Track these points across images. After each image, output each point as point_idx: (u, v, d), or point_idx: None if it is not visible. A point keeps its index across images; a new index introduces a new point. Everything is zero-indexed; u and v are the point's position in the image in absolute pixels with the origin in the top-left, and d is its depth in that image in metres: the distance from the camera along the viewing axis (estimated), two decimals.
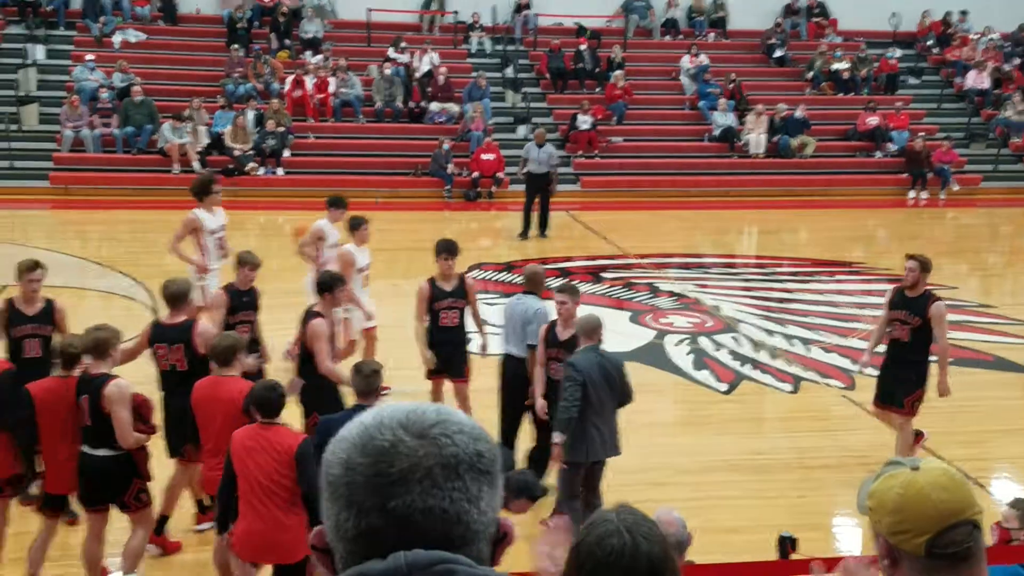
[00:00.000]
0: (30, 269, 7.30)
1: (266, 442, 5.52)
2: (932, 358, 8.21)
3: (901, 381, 8.14)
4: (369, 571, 1.27)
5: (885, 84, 25.31)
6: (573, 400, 6.63)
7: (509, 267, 15.61)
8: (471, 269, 15.22)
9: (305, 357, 7.34)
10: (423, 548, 1.27)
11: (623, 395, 6.92)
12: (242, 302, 7.92)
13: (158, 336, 6.99)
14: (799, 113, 23.12)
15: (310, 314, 7.45)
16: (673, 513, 4.11)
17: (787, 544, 4.82)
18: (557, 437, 6.77)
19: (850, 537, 7.87)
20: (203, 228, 10.30)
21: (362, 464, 1.30)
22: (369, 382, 5.98)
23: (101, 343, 6.09)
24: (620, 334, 11.56)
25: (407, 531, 1.27)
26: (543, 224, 17.59)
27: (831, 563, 3.95)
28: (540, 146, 17.60)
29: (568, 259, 16.28)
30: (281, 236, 18.45)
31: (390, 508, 1.27)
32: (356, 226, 10.05)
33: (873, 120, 23.34)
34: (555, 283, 8.62)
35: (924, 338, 8.10)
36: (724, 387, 10.67)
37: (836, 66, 24.94)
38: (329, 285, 7.50)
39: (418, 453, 1.29)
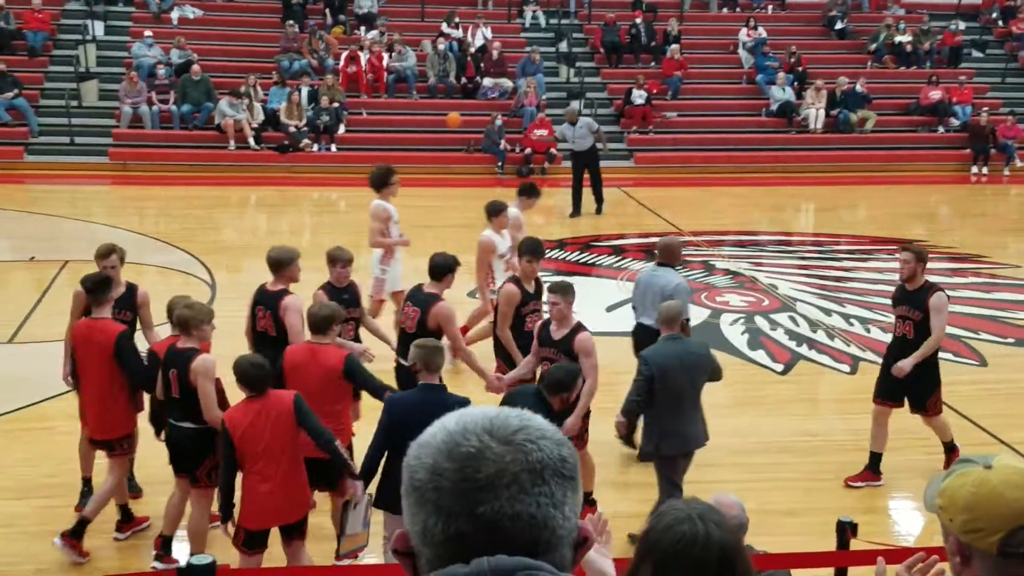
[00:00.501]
0: (104, 255, 7.14)
1: (264, 410, 5.70)
2: (947, 355, 7.78)
3: (916, 381, 7.71)
4: (453, 575, 1.27)
5: (948, 57, 24.69)
6: (636, 393, 6.54)
7: (561, 244, 15.52)
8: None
9: (411, 337, 7.13)
10: (511, 553, 1.27)
11: (712, 374, 6.78)
12: (342, 299, 7.45)
13: (259, 299, 7.29)
14: (860, 87, 22.65)
15: (427, 297, 7.36)
16: (731, 496, 4.04)
17: (847, 529, 4.72)
18: (619, 416, 6.77)
19: (906, 521, 7.72)
20: (390, 217, 10.23)
21: (449, 470, 1.30)
22: (432, 355, 5.94)
23: (183, 320, 6.25)
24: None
25: (495, 536, 1.28)
26: (598, 200, 17.41)
27: (897, 555, 3.85)
28: (573, 124, 17.50)
29: (621, 236, 16.14)
30: (335, 212, 18.58)
31: (478, 513, 1.28)
32: (496, 212, 9.88)
33: (936, 94, 22.79)
34: (553, 279, 8.35)
35: (929, 333, 7.61)
36: (780, 367, 10.52)
37: (898, 39, 24.37)
38: (451, 267, 7.54)
39: (505, 459, 1.30)
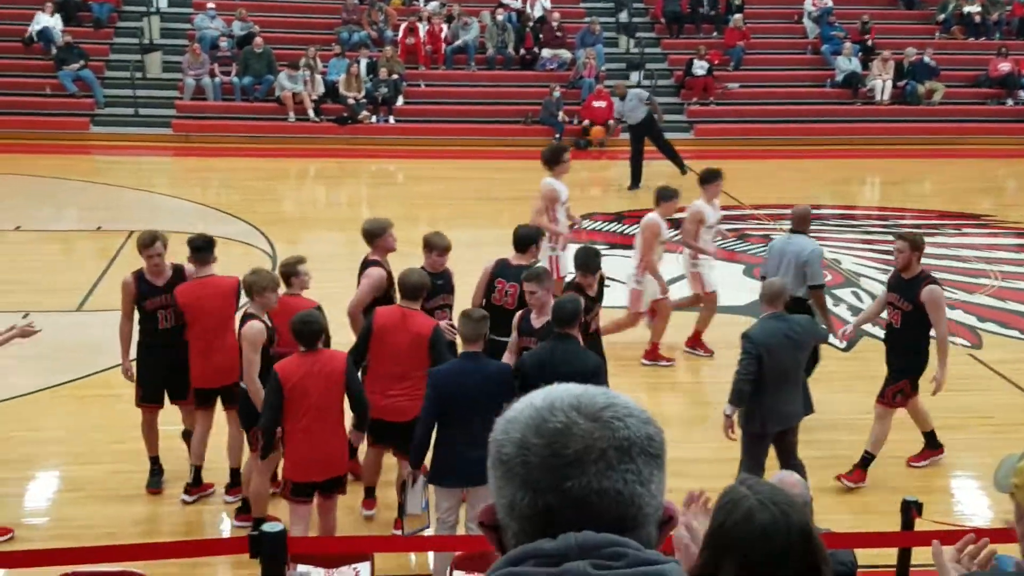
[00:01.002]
0: (147, 245, 7.01)
1: (316, 365, 5.88)
2: (1012, 332, 7.47)
3: (889, 368, 7.50)
4: (540, 550, 1.28)
5: (1018, 28, 23.99)
6: (746, 374, 6.46)
7: (619, 217, 15.41)
8: (581, 219, 15.11)
9: (511, 313, 7.22)
10: (597, 529, 1.28)
11: (813, 356, 6.72)
12: (436, 286, 7.36)
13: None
14: (928, 58, 22.13)
15: (520, 269, 7.32)
16: (794, 474, 3.99)
17: (912, 508, 4.64)
18: (728, 409, 6.64)
19: (972, 500, 7.59)
20: (558, 198, 10.08)
21: (537, 445, 1.31)
22: (478, 328, 5.97)
23: (247, 286, 6.50)
24: (733, 287, 11.31)
25: (583, 512, 1.30)
26: (678, 164, 17.39)
27: (952, 536, 3.78)
28: (622, 97, 17.33)
29: (679, 209, 15.94)
30: (392, 184, 18.65)
31: (566, 488, 1.30)
32: (668, 197, 9.69)
33: (1005, 66, 22.17)
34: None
35: (917, 325, 7.30)
36: (843, 344, 10.36)
37: (967, 9, 23.73)
38: (535, 239, 7.67)
39: (593, 435, 1.31)
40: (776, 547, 2.20)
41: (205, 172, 18.27)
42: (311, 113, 20.15)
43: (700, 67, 21.53)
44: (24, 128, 19.17)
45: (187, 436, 7.29)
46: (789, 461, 6.71)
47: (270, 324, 6.47)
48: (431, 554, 6.38)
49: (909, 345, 7.39)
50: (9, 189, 16.04)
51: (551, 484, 1.30)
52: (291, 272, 6.94)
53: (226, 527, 6.91)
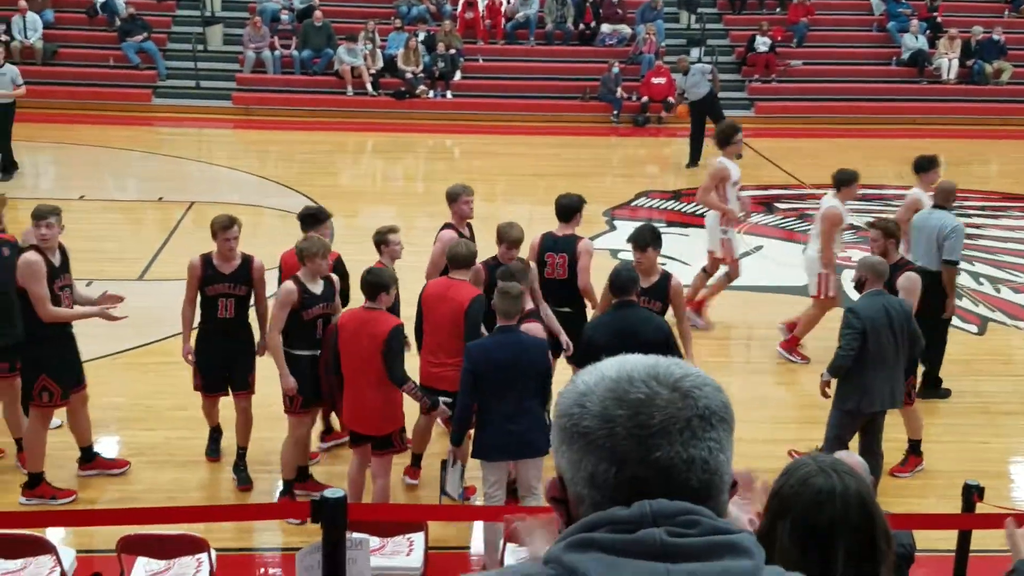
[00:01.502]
0: (225, 227, 6.81)
1: (367, 323, 6.11)
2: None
3: None
4: (615, 517, 1.29)
5: None
6: (849, 348, 6.37)
7: (677, 195, 15.27)
8: (638, 197, 15.01)
9: (564, 284, 7.37)
10: (686, 498, 1.30)
11: (912, 340, 6.56)
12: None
13: (549, 246, 7.51)
14: (996, 36, 21.54)
15: (567, 239, 7.49)
16: (855, 455, 3.93)
17: (973, 492, 4.54)
18: (826, 376, 6.60)
19: None
20: (728, 178, 9.88)
21: (622, 416, 1.32)
22: (515, 304, 5.97)
23: (298, 252, 6.64)
24: (792, 267, 11.16)
25: (670, 481, 1.31)
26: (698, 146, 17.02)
27: (1020, 519, 3.69)
28: (685, 72, 17.06)
29: (740, 188, 15.76)
30: (449, 159, 18.67)
31: (653, 459, 1.31)
32: (848, 181, 9.33)
33: None
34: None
35: None
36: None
37: None
38: (579, 207, 7.68)
39: (676, 405, 1.32)
40: (830, 511, 2.21)
41: (264, 145, 18.43)
42: (369, 87, 20.22)
43: (762, 43, 21.20)
44: (88, 99, 19.47)
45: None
46: (871, 447, 6.59)
47: (316, 291, 6.54)
48: (475, 527, 6.41)
49: None
50: (74, 159, 16.33)
51: (638, 455, 1.31)
52: (382, 241, 7.02)
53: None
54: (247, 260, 6.95)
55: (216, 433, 7.37)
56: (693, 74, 17.09)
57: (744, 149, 17.98)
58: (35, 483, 6.72)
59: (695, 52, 21.59)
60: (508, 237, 7.04)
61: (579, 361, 6.32)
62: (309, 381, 6.57)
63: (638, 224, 11.66)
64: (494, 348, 5.90)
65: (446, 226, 7.55)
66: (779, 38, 21.67)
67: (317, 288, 6.57)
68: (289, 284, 6.55)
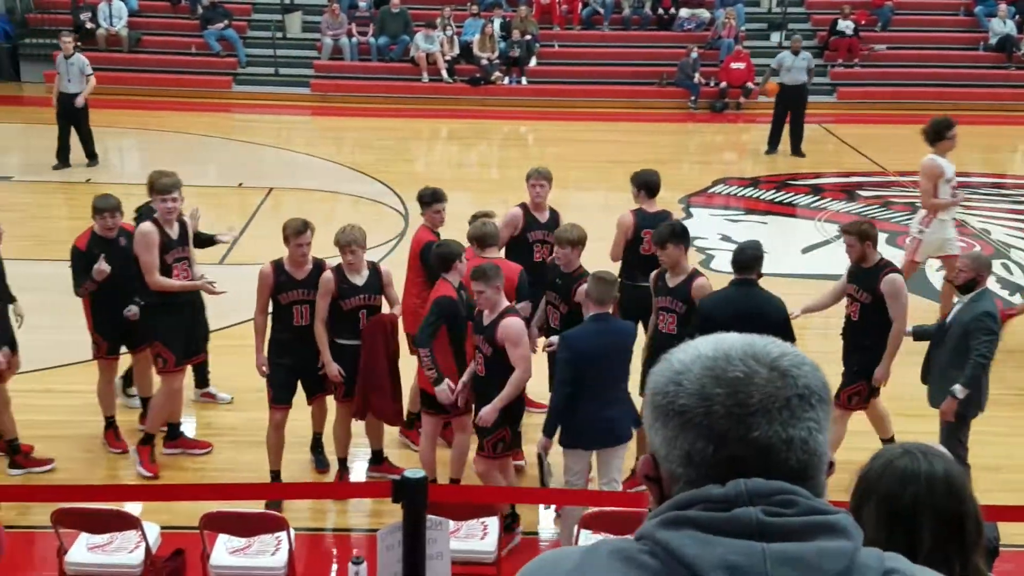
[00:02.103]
0: (298, 232, 6.52)
1: (431, 299, 6.28)
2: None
3: (845, 367, 6.84)
4: (710, 495, 1.28)
5: None
6: (990, 354, 6.12)
7: (755, 182, 15.03)
8: (715, 184, 14.81)
9: None
10: (783, 478, 1.29)
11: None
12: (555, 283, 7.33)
13: (644, 222, 7.41)
14: None
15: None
16: (940, 447, 3.81)
17: None
18: (961, 392, 6.17)
19: None
20: (943, 175, 9.36)
21: (720, 395, 1.31)
22: (610, 291, 5.90)
23: (336, 241, 6.64)
24: None
25: (769, 460, 1.30)
26: (796, 140, 16.48)
27: None
28: (796, 53, 16.38)
29: (818, 175, 15.49)
30: (523, 146, 18.63)
31: (752, 438, 1.29)
32: (940, 131, 9.18)
33: None
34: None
35: (876, 319, 6.61)
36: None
37: None
38: (659, 182, 7.64)
39: (775, 384, 1.31)
40: (913, 491, 2.17)
41: (341, 131, 18.61)
42: (444, 74, 20.27)
43: (845, 27, 20.75)
44: (171, 86, 19.87)
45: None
46: (962, 448, 6.38)
47: (357, 283, 6.55)
48: (543, 513, 6.37)
49: (867, 341, 6.69)
50: (157, 145, 16.66)
51: (737, 434, 1.29)
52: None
53: (360, 476, 7.06)
54: (318, 265, 6.69)
55: (318, 444, 7.20)
56: (802, 59, 16.33)
57: (825, 135, 17.76)
58: (146, 440, 7.09)
59: (775, 36, 21.23)
60: (567, 238, 6.73)
61: (693, 337, 6.17)
62: (352, 370, 6.60)
63: (713, 211, 11.64)
64: (593, 336, 5.78)
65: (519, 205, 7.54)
66: (863, 22, 21.19)
67: (359, 280, 6.56)
68: (328, 274, 6.55)
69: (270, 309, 6.76)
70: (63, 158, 14.74)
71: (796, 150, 16.41)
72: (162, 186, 6.86)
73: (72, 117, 14.56)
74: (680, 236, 6.52)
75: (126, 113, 17.94)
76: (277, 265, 6.64)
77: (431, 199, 7.35)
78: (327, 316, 6.57)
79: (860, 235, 6.72)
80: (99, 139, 15.37)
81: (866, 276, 6.66)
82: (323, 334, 6.55)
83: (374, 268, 6.68)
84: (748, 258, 6.23)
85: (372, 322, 6.59)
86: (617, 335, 5.86)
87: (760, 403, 1.29)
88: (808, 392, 1.31)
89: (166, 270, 6.86)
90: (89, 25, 20.27)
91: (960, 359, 6.19)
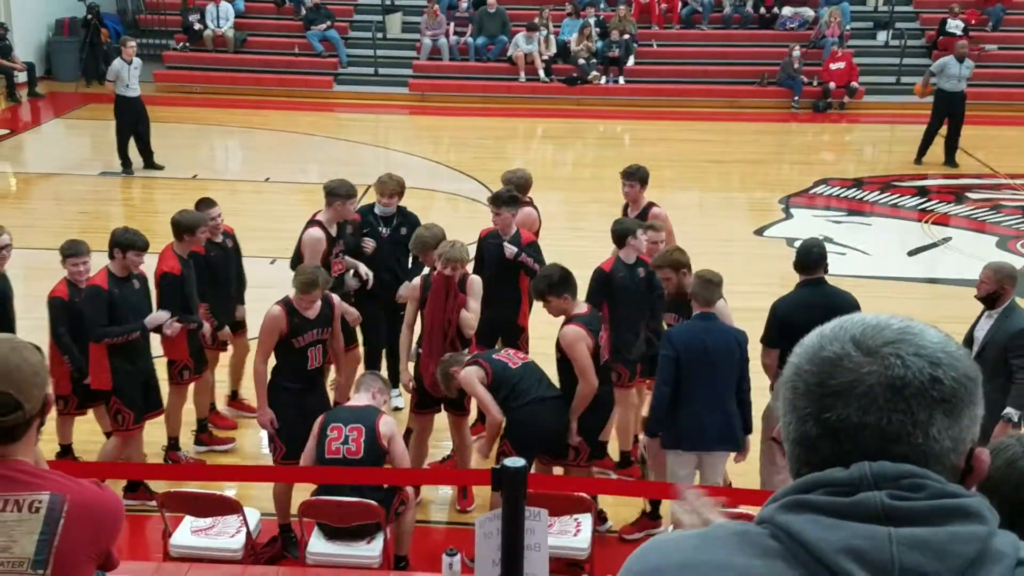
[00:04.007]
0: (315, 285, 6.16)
1: None
2: None
3: None
4: (831, 479, 1.26)
5: None
6: None
7: (859, 183, 14.67)
8: (816, 184, 14.50)
9: None
10: (858, 461, 1.26)
11: None
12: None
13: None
14: None
15: None
16: None
17: None
18: (1015, 415, 5.83)
19: None
20: None
21: (808, 372, 1.31)
22: (716, 291, 5.82)
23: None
24: (982, 259, 10.54)
25: (840, 443, 1.27)
26: (951, 149, 15.48)
27: None
28: (960, 61, 15.29)
29: (924, 176, 15.05)
30: (619, 146, 18.52)
31: (824, 418, 1.28)
32: None
33: None
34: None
35: None
36: None
37: None
38: None
39: (861, 369, 1.27)
40: None
41: (438, 130, 18.76)
42: (541, 73, 20.27)
43: (954, 27, 20.10)
44: (275, 86, 20.30)
45: None
46: None
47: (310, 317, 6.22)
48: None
49: None
50: (261, 143, 17.06)
51: (812, 412, 1.29)
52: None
53: None
54: (326, 299, 6.27)
55: None
56: (967, 67, 15.39)
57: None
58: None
59: (882, 35, 20.70)
60: (670, 263, 6.33)
61: (772, 342, 6.09)
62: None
63: (815, 212, 11.21)
64: (699, 334, 5.70)
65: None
66: (973, 21, 20.51)
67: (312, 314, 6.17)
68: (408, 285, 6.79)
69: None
70: (128, 161, 14.60)
71: (950, 159, 15.49)
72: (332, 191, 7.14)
73: (136, 121, 14.49)
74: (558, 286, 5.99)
75: (231, 112, 18.41)
76: (288, 307, 6.13)
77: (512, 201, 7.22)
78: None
79: (673, 265, 6.24)
80: (204, 137, 15.80)
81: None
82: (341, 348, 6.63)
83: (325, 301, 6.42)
84: (816, 256, 6.11)
85: (436, 281, 6.37)
86: (723, 335, 5.75)
87: (840, 386, 1.27)
88: (901, 383, 1.25)
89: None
90: (197, 26, 20.85)
91: (999, 380, 5.76)
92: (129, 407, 6.29)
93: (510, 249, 6.89)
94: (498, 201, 7.05)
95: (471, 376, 5.87)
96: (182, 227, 6.82)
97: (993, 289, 6.00)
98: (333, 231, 7.13)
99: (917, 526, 1.21)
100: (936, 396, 1.25)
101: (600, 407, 5.97)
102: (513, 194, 7.24)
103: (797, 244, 6.55)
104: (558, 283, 5.92)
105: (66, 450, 6.76)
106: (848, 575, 1.18)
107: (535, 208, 7.87)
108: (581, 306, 6.01)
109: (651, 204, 7.71)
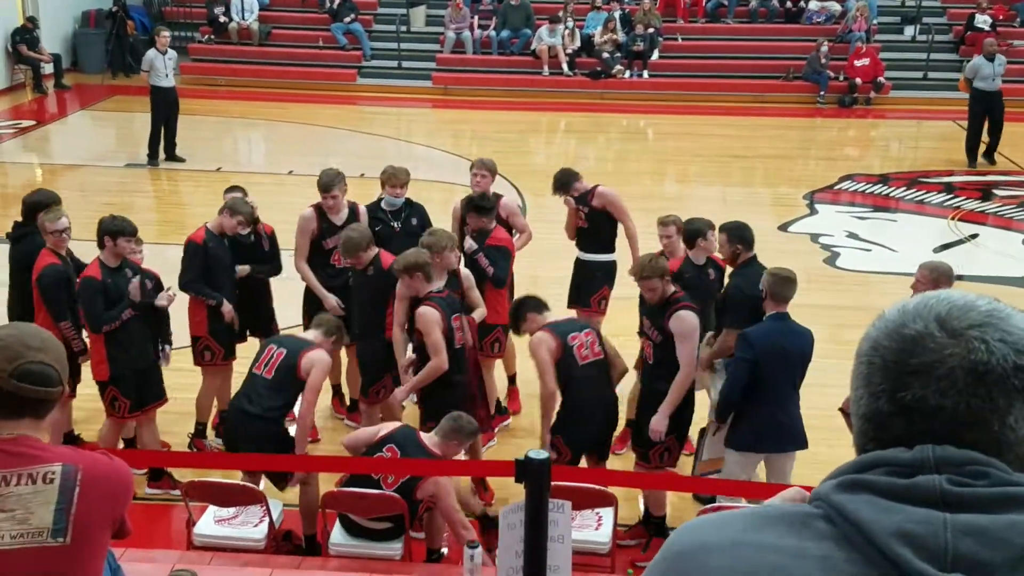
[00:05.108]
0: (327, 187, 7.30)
1: None
2: None
3: None
4: (893, 459, 1.23)
5: None
6: None
7: (885, 179, 14.56)
8: (841, 180, 14.40)
9: None
10: (928, 443, 1.22)
11: None
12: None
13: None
14: None
15: None
16: None
17: None
18: None
19: None
20: None
21: (887, 349, 1.27)
22: (792, 289, 5.72)
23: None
24: (1010, 257, 10.47)
25: (912, 424, 1.24)
26: (991, 147, 15.37)
27: None
28: (991, 59, 15.15)
29: (951, 172, 14.92)
30: (642, 140, 18.47)
31: (898, 397, 1.25)
32: None
33: None
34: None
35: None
36: None
37: None
38: None
39: (943, 351, 1.23)
40: None
41: (461, 124, 18.75)
42: (565, 67, 20.23)
43: (982, 22, 19.91)
44: (299, 79, 20.34)
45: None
46: None
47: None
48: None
49: None
50: (284, 136, 17.11)
51: (887, 390, 1.26)
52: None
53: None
54: (352, 208, 7.32)
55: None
56: (999, 64, 15.24)
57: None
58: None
59: (909, 30, 20.53)
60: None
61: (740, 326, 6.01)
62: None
63: (840, 208, 11.07)
64: (777, 336, 5.61)
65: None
66: (1001, 16, 20.31)
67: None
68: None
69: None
70: (156, 152, 14.66)
71: (989, 155, 15.38)
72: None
73: (169, 112, 14.57)
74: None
75: (255, 105, 18.47)
76: (319, 210, 7.16)
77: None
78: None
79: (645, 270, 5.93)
80: (228, 130, 15.85)
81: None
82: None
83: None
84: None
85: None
86: (797, 336, 5.67)
87: (919, 365, 1.23)
88: (983, 368, 1.21)
89: (325, 255, 7.29)
90: (222, 19, 20.93)
91: None
92: (125, 396, 6.34)
93: (469, 244, 7.07)
94: (480, 211, 7.27)
95: (541, 343, 5.93)
96: (227, 207, 6.94)
97: (929, 288, 5.86)
98: (338, 220, 7.24)
99: (975, 513, 1.17)
100: (1018, 385, 1.22)
101: (686, 406, 6.00)
102: (483, 205, 7.34)
103: (821, 241, 6.44)
104: (515, 314, 6.29)
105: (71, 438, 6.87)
106: (901, 559, 1.15)
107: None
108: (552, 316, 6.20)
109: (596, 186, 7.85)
